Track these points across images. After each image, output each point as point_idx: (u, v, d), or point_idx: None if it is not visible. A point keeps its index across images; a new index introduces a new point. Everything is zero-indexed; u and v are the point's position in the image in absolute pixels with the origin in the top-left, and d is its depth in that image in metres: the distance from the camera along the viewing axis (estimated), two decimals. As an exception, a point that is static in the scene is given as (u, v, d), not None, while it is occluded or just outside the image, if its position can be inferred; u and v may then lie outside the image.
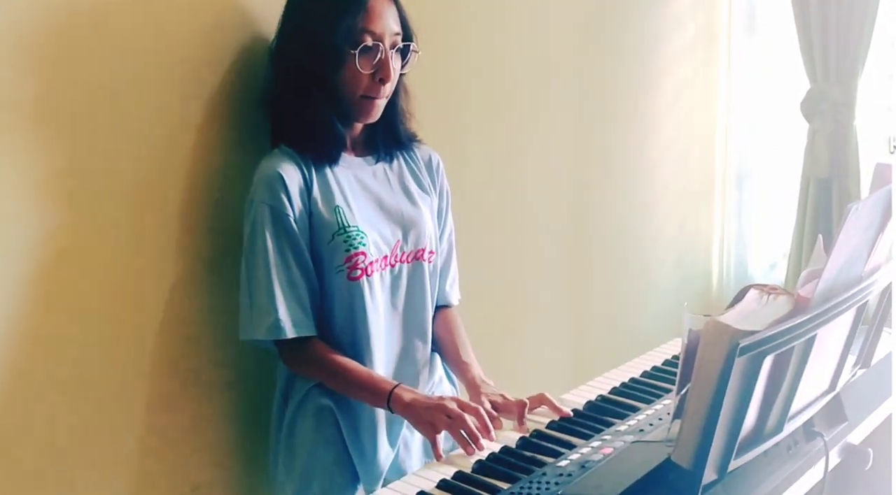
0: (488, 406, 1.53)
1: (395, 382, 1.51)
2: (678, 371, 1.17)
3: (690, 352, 1.11)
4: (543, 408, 1.56)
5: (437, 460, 1.41)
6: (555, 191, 2.46)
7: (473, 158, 2.18)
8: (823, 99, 2.73)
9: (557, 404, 1.55)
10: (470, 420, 1.41)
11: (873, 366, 1.52)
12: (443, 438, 1.42)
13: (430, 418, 1.43)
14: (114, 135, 1.46)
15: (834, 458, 1.49)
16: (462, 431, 1.40)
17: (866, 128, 2.78)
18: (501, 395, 1.58)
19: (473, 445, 1.39)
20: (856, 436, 1.55)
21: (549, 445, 1.41)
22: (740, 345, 1.00)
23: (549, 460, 1.35)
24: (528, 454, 1.38)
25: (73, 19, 1.39)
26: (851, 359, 1.44)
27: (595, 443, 1.37)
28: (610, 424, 1.48)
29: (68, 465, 1.47)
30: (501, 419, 1.51)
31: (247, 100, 1.63)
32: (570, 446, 1.40)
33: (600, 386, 1.67)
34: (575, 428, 1.48)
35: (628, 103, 2.69)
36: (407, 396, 1.47)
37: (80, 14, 1.40)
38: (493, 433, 1.44)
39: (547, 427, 1.49)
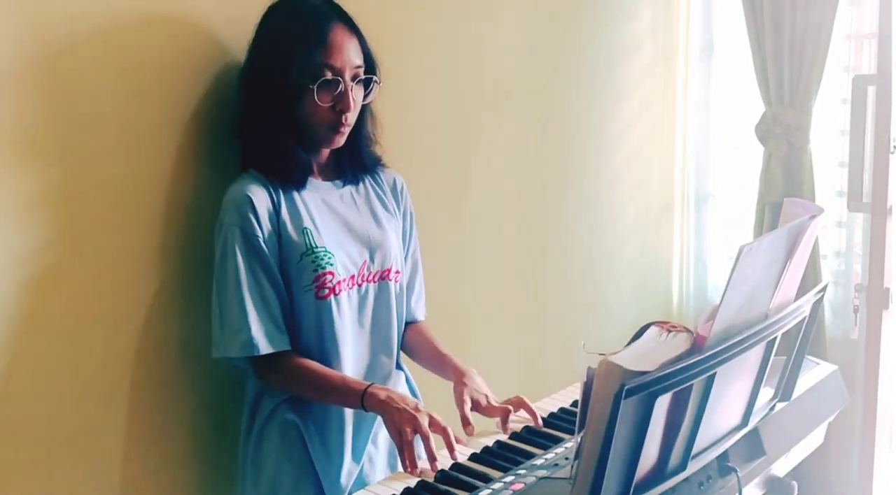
0: (469, 407, 1.59)
1: (369, 382, 1.55)
2: (578, 410, 1.16)
3: (587, 390, 1.10)
4: (521, 412, 1.63)
5: (411, 467, 1.44)
6: (511, 214, 2.46)
7: (427, 179, 2.17)
8: (777, 123, 2.73)
9: (535, 410, 1.62)
10: (433, 440, 1.44)
11: (796, 398, 1.52)
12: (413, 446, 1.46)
13: (400, 423, 1.46)
14: (92, 159, 1.51)
15: (755, 492, 1.49)
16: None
17: (821, 152, 2.79)
18: (486, 396, 1.63)
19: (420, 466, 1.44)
20: (780, 469, 1.55)
21: (466, 478, 1.40)
22: (626, 387, 0.99)
23: None
24: (443, 488, 1.37)
25: (57, 51, 1.44)
26: (768, 392, 1.43)
27: (508, 478, 1.36)
28: (531, 456, 1.47)
29: (47, 475, 1.49)
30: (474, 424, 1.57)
31: (222, 125, 1.67)
32: (487, 479, 1.39)
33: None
34: (495, 460, 1.47)
35: (586, 126, 2.69)
36: (382, 394, 1.51)
37: (64, 46, 1.45)
38: (456, 451, 1.47)
39: (469, 458, 1.49)
